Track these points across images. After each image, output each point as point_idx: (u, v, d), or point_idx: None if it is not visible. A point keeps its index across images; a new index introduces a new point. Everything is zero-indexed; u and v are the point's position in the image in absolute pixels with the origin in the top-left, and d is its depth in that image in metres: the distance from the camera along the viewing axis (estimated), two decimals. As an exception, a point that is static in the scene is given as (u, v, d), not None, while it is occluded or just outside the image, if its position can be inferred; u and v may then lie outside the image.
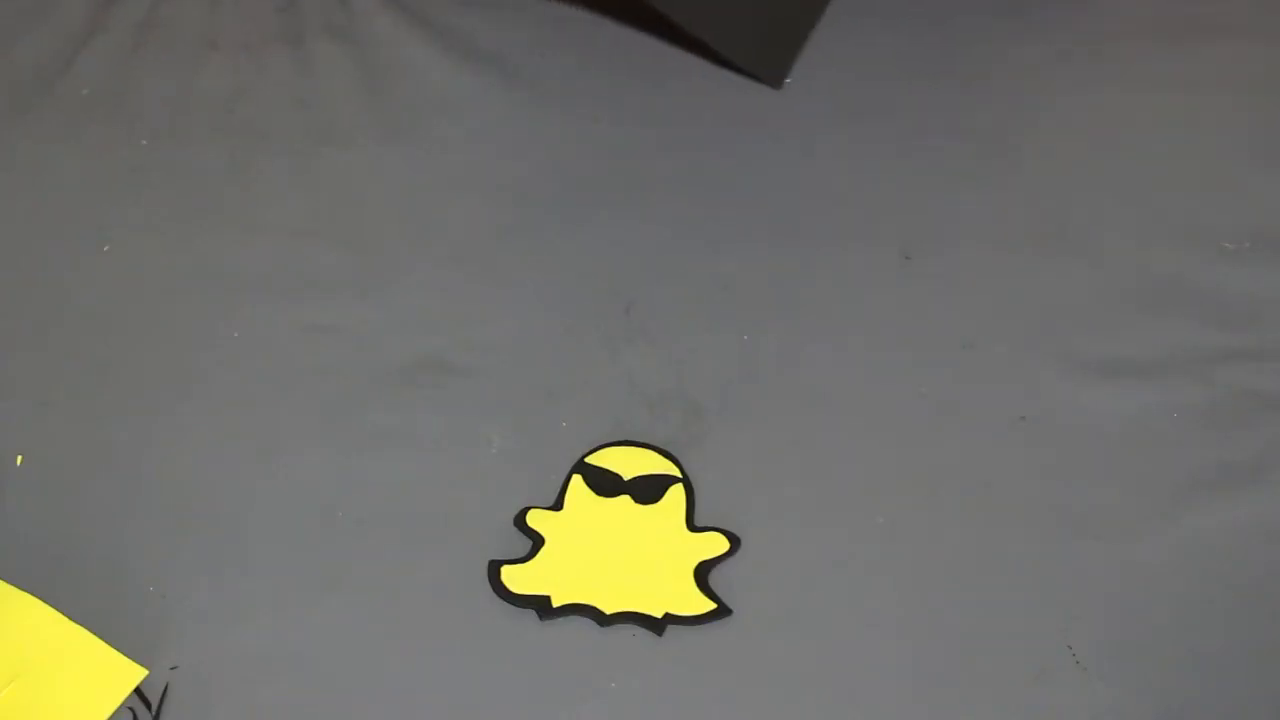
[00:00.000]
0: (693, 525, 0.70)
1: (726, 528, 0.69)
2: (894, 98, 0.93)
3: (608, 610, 0.66)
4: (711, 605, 0.66)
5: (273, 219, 0.85)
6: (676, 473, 0.72)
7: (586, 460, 0.72)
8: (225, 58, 0.96)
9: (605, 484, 0.71)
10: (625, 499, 0.71)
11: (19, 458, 0.72)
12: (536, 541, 0.69)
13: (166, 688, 0.63)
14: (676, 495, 0.71)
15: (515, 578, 0.67)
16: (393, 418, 0.74)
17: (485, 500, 0.70)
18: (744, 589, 0.67)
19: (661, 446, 0.73)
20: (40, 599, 0.65)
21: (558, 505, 0.70)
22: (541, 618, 0.66)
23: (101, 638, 0.63)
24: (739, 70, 0.93)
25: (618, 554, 0.69)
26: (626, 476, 0.71)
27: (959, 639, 0.65)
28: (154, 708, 0.62)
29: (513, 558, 0.68)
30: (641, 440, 0.73)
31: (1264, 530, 0.70)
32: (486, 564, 0.67)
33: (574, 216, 0.86)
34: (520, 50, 0.96)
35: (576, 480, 0.71)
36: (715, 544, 0.69)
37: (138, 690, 0.62)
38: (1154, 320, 0.80)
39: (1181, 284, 0.82)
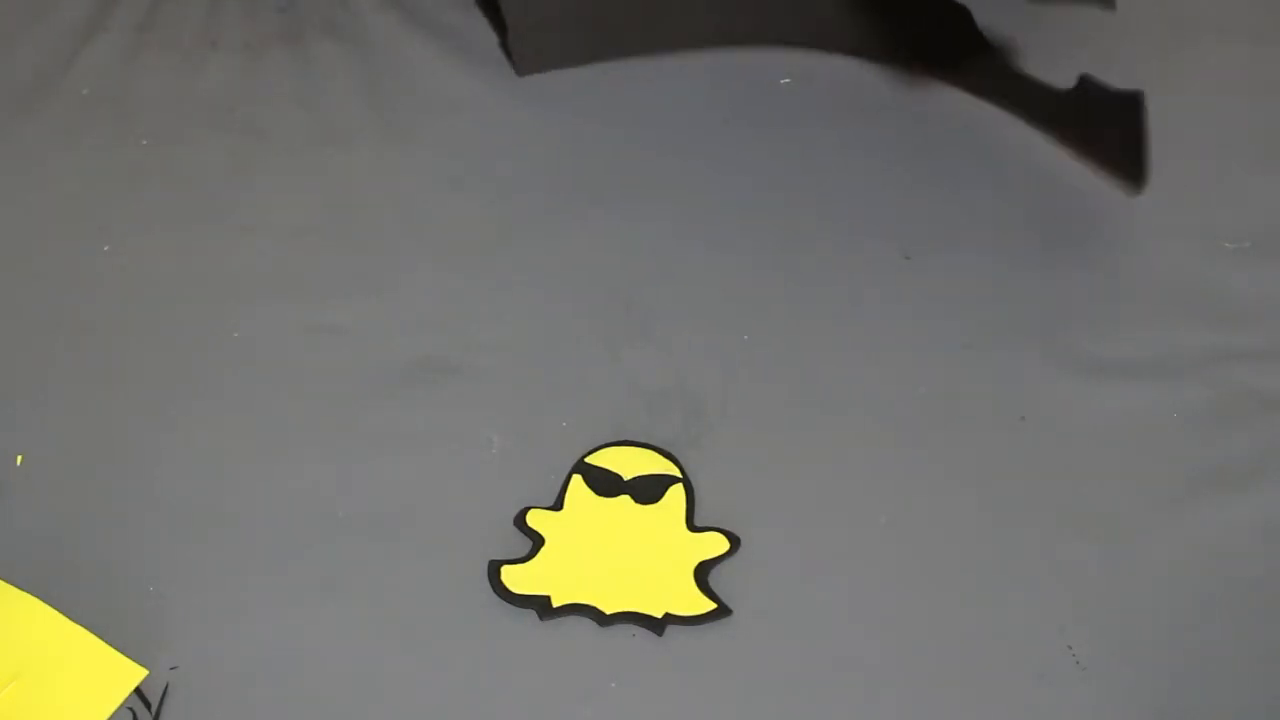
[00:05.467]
0: (693, 525, 0.70)
1: (726, 528, 0.69)
2: (894, 97, 0.93)
3: (608, 610, 0.66)
4: (711, 605, 0.66)
5: (273, 219, 0.85)
6: (676, 473, 0.72)
7: (586, 460, 0.72)
8: (225, 58, 0.96)
9: (605, 484, 0.71)
10: (625, 499, 0.71)
11: (19, 458, 0.72)
12: (536, 541, 0.69)
13: (166, 688, 0.63)
14: (676, 495, 0.71)
15: (515, 578, 0.67)
16: (393, 418, 0.74)
17: (485, 500, 0.70)
18: (744, 589, 0.67)
19: (661, 446, 0.73)
20: (40, 599, 0.64)
21: (558, 505, 0.70)
22: (541, 618, 0.66)
23: (101, 638, 0.63)
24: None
25: (618, 554, 0.69)
26: (626, 476, 0.71)
27: (959, 639, 0.65)
28: (154, 708, 0.62)
29: (513, 558, 0.68)
30: (641, 440, 0.73)
31: (1264, 530, 0.70)
32: (486, 564, 0.67)
33: (574, 216, 0.86)
34: (520, 50, 0.96)
35: (576, 480, 0.71)
36: (715, 544, 0.69)
37: (138, 690, 0.62)
38: (1154, 320, 0.80)
39: (1181, 284, 0.82)
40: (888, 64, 0.93)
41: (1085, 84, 0.81)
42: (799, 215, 0.86)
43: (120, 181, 0.88)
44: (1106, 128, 0.82)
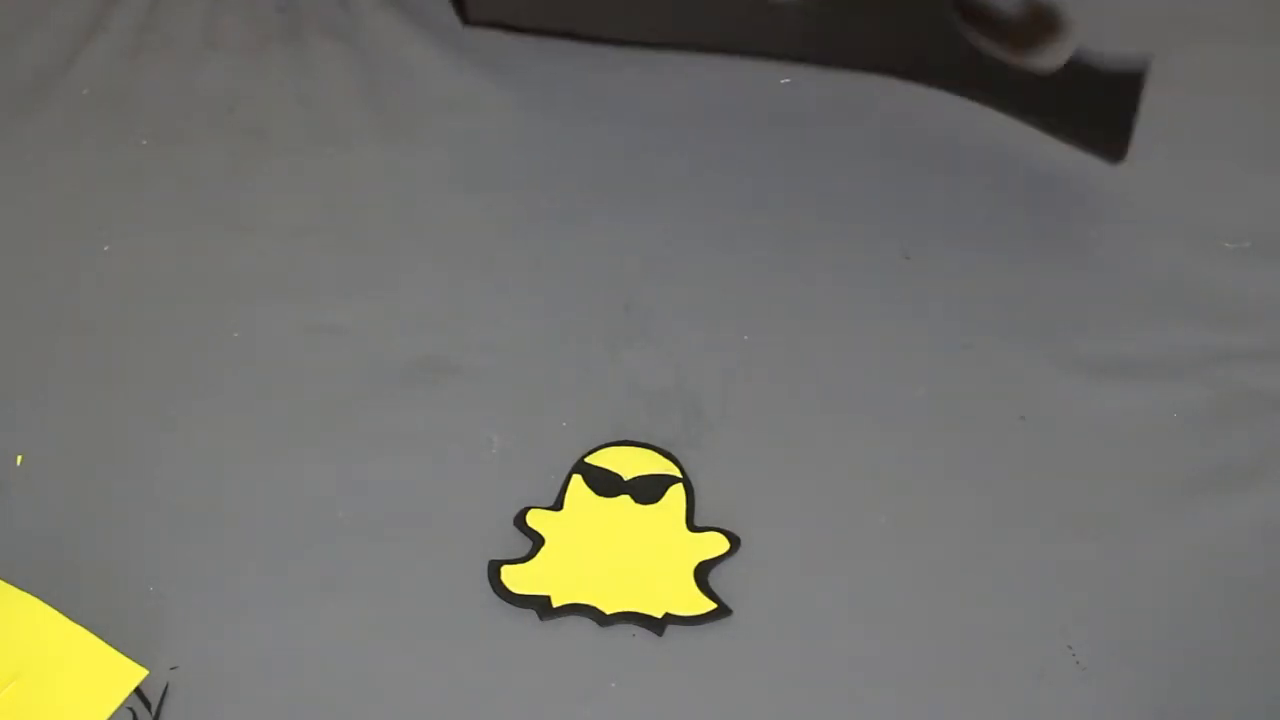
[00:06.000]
0: (693, 525, 0.70)
1: (726, 528, 0.69)
2: (893, 97, 0.93)
3: (608, 610, 0.66)
4: (711, 605, 0.66)
5: (273, 219, 0.85)
6: (676, 473, 0.72)
7: (586, 460, 0.72)
8: (225, 58, 0.96)
9: (605, 484, 0.71)
10: (625, 499, 0.71)
11: (19, 458, 0.72)
12: (536, 541, 0.69)
13: (166, 688, 0.63)
14: (676, 495, 0.71)
15: (515, 578, 0.67)
16: (393, 418, 0.74)
17: (485, 500, 0.70)
18: (744, 589, 0.67)
19: (661, 446, 0.73)
20: (40, 599, 0.65)
21: (558, 505, 0.70)
22: (541, 618, 0.66)
23: (101, 638, 0.63)
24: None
25: (618, 554, 0.69)
26: (626, 476, 0.71)
27: (959, 639, 0.65)
28: (154, 708, 0.62)
29: (513, 558, 0.68)
30: (641, 440, 0.73)
31: (1264, 530, 0.69)
32: (486, 564, 0.67)
33: (574, 216, 0.86)
34: (520, 50, 0.96)
35: (576, 480, 0.71)
36: (715, 544, 0.69)
37: (138, 690, 0.62)
38: (1154, 320, 0.80)
39: (1181, 284, 0.82)
40: (860, 72, 0.91)
41: (1080, 58, 0.80)
42: (799, 215, 0.86)
43: (120, 181, 0.88)
44: (1095, 103, 0.80)
